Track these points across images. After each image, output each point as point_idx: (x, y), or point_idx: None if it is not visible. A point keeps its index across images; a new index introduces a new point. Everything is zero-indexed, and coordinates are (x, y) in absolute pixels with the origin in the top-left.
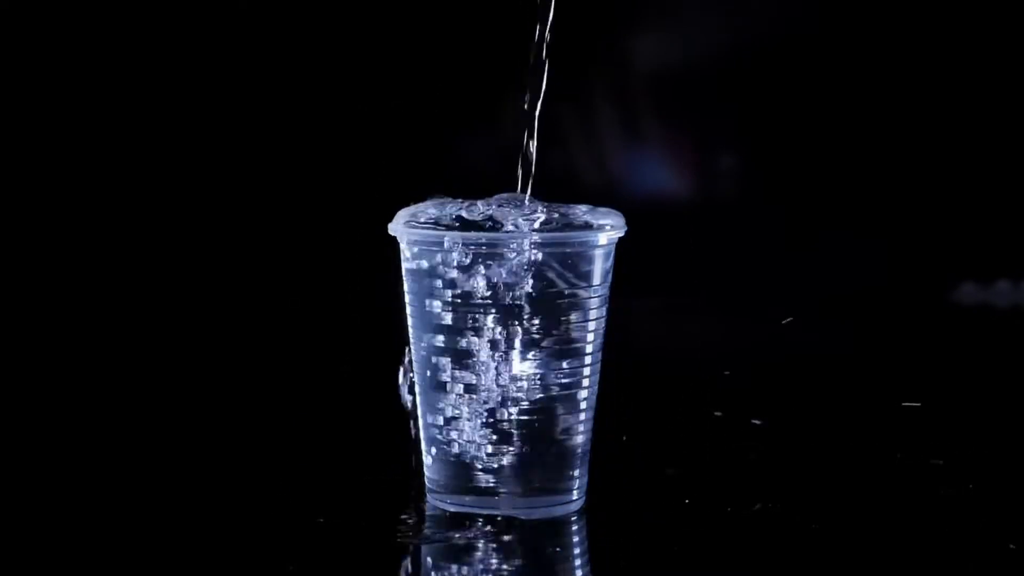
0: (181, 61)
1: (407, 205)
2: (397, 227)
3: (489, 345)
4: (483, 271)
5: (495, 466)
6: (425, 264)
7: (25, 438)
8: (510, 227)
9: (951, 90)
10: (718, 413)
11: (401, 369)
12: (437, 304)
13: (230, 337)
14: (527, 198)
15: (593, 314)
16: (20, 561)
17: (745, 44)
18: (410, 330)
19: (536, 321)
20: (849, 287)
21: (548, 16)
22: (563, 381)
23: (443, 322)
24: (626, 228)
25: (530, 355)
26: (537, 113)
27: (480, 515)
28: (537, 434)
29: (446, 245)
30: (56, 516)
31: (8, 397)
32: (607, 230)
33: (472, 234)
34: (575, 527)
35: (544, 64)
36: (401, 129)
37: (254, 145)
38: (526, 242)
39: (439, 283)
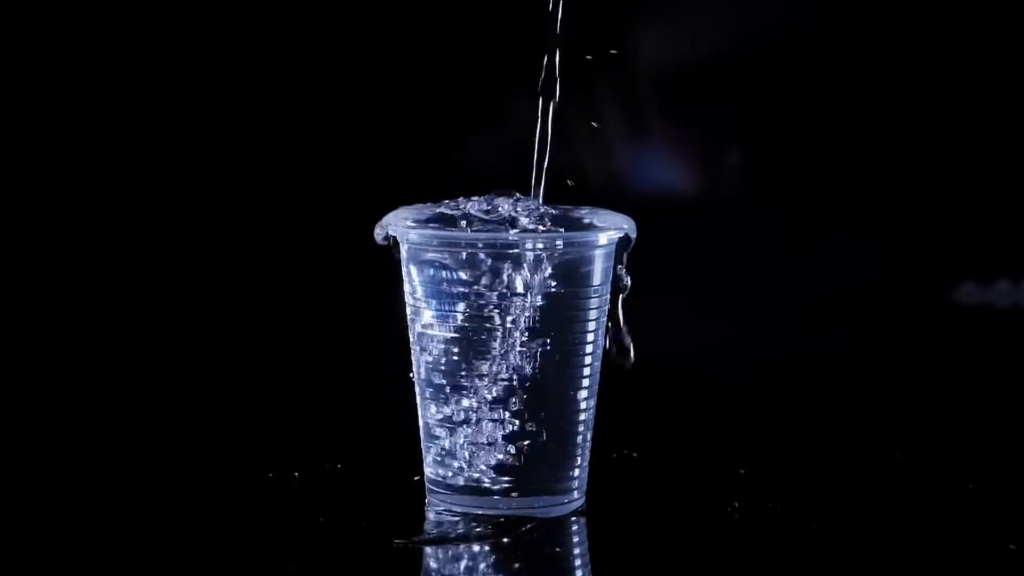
0: (181, 61)
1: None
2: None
3: (492, 345)
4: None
5: (495, 466)
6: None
7: (25, 438)
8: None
9: (951, 90)
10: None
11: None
12: (446, 305)
13: (230, 337)
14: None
15: (593, 314)
16: (20, 561)
17: (745, 44)
18: (410, 329)
19: (537, 321)
20: (849, 287)
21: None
22: (563, 381)
23: (448, 322)
24: (624, 230)
25: (531, 355)
26: (551, 112)
27: (480, 515)
28: (537, 434)
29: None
30: (56, 516)
31: (8, 397)
32: (607, 230)
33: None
34: (575, 527)
35: (556, 63)
36: (401, 129)
37: (253, 145)
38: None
39: (456, 286)
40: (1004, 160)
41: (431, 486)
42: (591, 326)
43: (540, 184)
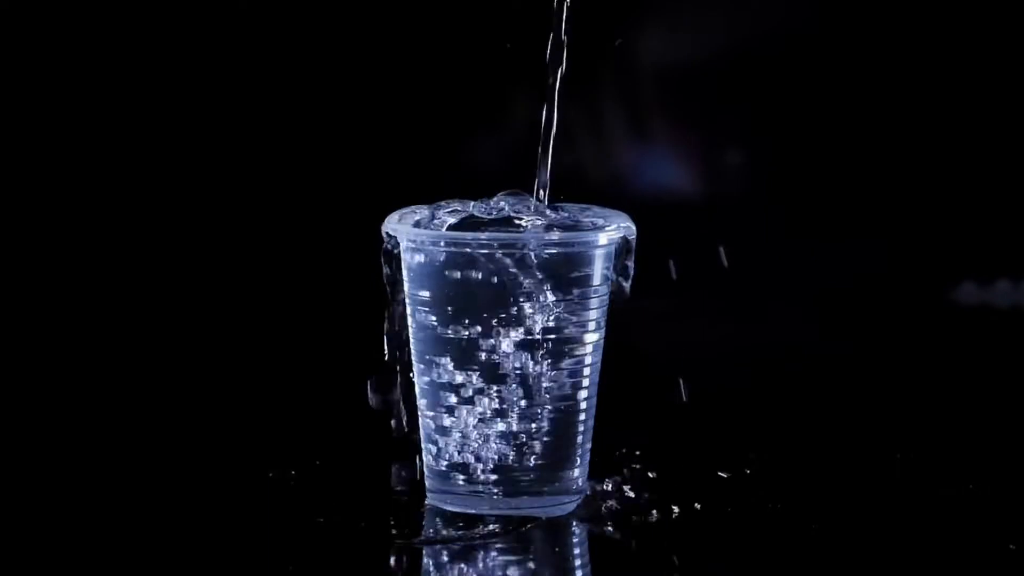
0: (183, 62)
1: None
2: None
3: (493, 346)
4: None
5: (495, 466)
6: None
7: (24, 438)
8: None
9: (951, 90)
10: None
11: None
12: (447, 305)
13: (230, 338)
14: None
15: (593, 314)
16: (21, 561)
17: (746, 44)
18: (411, 330)
19: (538, 321)
20: (849, 287)
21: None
22: (563, 381)
23: (449, 323)
24: (631, 229)
25: (531, 355)
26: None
27: (480, 515)
28: (538, 434)
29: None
30: (56, 516)
31: (8, 397)
32: (607, 230)
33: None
34: (575, 527)
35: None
36: (403, 129)
37: (256, 147)
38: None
39: (458, 286)
40: (1004, 160)
41: (431, 486)
42: (591, 326)
43: (545, 183)
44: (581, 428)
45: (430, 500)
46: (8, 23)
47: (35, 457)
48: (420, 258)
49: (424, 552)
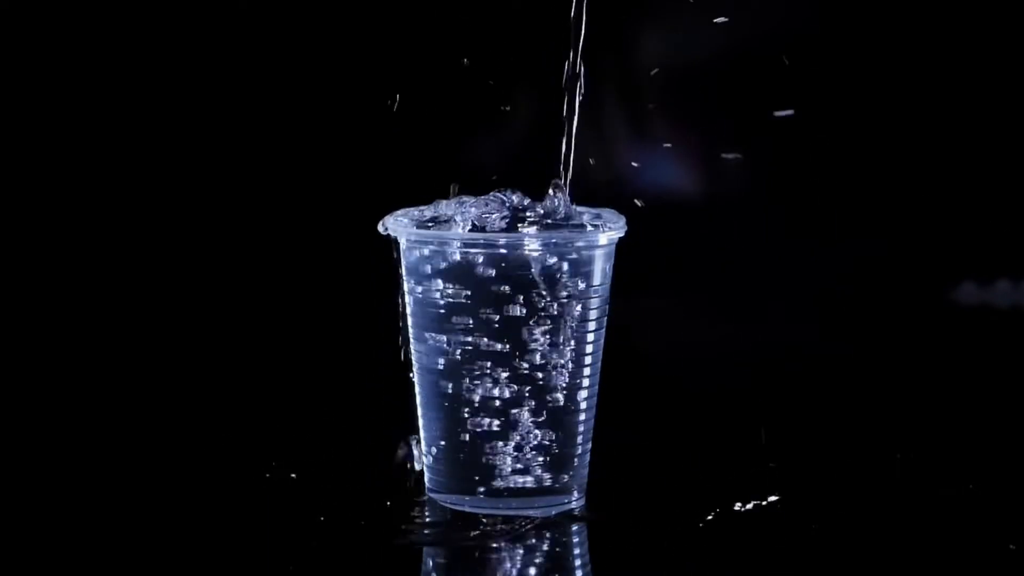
0: (183, 61)
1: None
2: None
3: (492, 346)
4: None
5: (495, 466)
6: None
7: (24, 438)
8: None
9: (951, 90)
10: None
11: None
12: (445, 305)
13: (230, 337)
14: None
15: (593, 314)
16: (21, 561)
17: (747, 44)
18: (410, 329)
19: (537, 321)
20: (849, 287)
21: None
22: (564, 381)
23: (448, 322)
24: (625, 229)
25: (531, 355)
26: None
27: (480, 515)
28: (537, 434)
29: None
30: (56, 516)
31: (8, 397)
32: (606, 230)
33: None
34: (575, 527)
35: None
36: (405, 129)
37: (256, 146)
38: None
39: (456, 285)
40: (1004, 160)
41: (430, 486)
42: (591, 326)
43: (566, 183)
44: (581, 428)
45: (430, 499)
46: (8, 23)
47: (35, 456)
48: (421, 257)
49: (424, 552)
